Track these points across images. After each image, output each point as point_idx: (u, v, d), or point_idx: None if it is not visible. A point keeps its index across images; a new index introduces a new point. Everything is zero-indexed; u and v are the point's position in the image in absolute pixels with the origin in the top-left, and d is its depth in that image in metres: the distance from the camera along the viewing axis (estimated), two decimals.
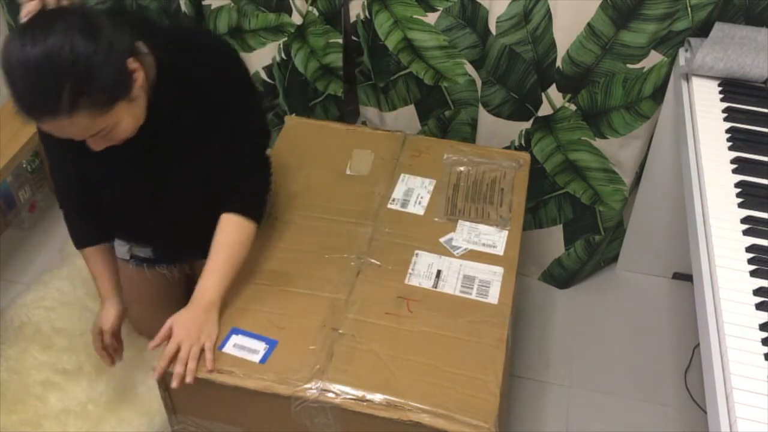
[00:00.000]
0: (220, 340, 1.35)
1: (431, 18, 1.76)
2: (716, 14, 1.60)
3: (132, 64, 1.20)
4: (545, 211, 2.00)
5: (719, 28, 1.57)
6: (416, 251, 1.51)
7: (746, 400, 1.02)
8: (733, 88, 1.55)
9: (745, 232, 1.24)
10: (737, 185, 1.33)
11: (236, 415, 1.36)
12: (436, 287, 1.44)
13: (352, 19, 1.87)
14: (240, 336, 1.35)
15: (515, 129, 1.86)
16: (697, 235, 1.27)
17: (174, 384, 1.29)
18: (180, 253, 1.72)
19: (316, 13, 1.86)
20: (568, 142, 1.83)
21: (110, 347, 1.60)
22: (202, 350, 1.32)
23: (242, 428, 1.39)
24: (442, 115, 1.95)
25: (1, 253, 2.18)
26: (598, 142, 1.81)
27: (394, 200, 1.62)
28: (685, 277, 2.08)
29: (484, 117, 1.86)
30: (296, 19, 1.88)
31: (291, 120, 1.88)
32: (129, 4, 1.95)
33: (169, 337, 1.33)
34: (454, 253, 1.51)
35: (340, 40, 1.91)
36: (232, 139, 1.41)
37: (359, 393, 1.26)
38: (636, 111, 1.74)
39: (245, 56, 1.97)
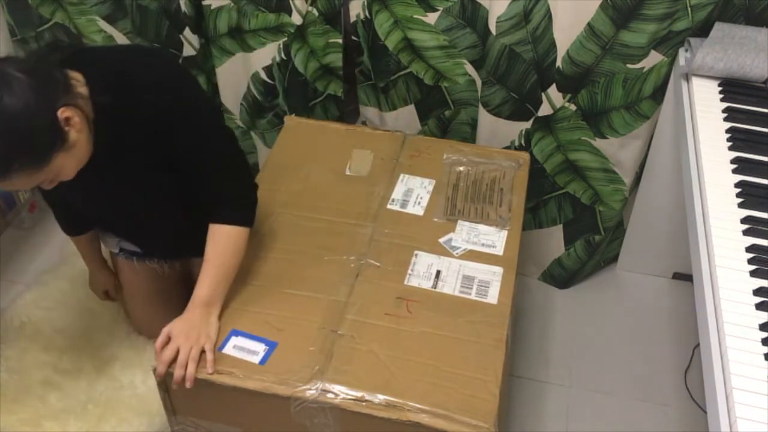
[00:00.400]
0: (220, 341, 1.35)
1: (431, 18, 1.76)
2: (716, 14, 1.60)
3: (65, 113, 1.15)
4: (545, 211, 2.00)
5: (719, 28, 1.56)
6: (416, 252, 1.51)
7: (746, 400, 1.02)
8: (733, 88, 1.55)
9: (745, 232, 1.24)
10: (737, 185, 1.33)
11: (236, 415, 1.36)
12: (435, 288, 1.44)
13: (352, 19, 1.87)
14: (240, 337, 1.35)
15: (515, 129, 1.86)
16: (697, 235, 1.27)
17: (174, 386, 1.30)
18: (166, 252, 1.73)
19: (316, 13, 1.86)
20: (568, 142, 1.83)
21: (113, 295, 1.84)
22: (203, 352, 1.31)
23: (242, 429, 1.39)
24: (442, 115, 1.95)
25: (1, 253, 2.18)
26: (598, 142, 1.81)
27: (393, 200, 1.62)
28: (685, 277, 2.08)
29: (484, 117, 1.86)
30: (296, 19, 1.88)
31: (291, 120, 1.88)
32: (129, 4, 1.95)
33: (167, 343, 1.32)
34: (454, 253, 1.51)
35: (340, 40, 1.90)
36: (194, 152, 1.36)
37: (359, 393, 1.26)
38: (636, 111, 1.74)
39: (245, 56, 1.97)
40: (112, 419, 1.70)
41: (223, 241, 1.40)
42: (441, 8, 1.74)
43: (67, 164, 1.21)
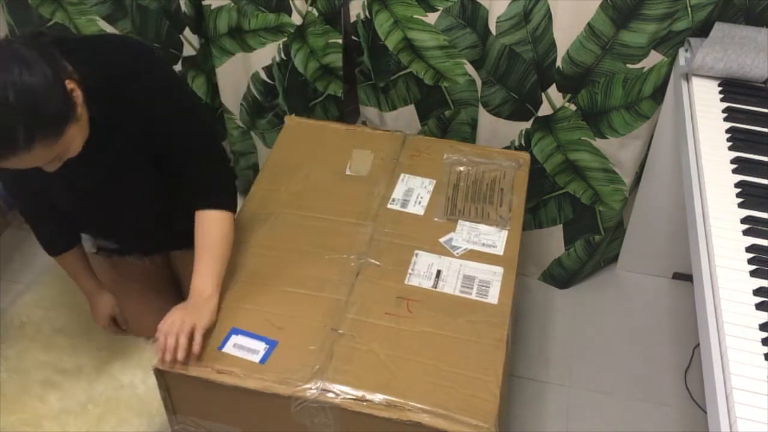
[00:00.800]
0: (220, 340, 1.35)
1: (431, 18, 1.76)
2: (716, 14, 1.60)
3: (69, 84, 1.20)
4: (545, 211, 2.00)
5: (719, 28, 1.57)
6: (416, 251, 1.51)
7: (746, 400, 1.02)
8: (733, 88, 1.55)
9: (745, 232, 1.24)
10: (737, 185, 1.33)
11: (236, 415, 1.36)
12: (435, 287, 1.44)
13: (352, 19, 1.87)
14: (240, 336, 1.35)
15: (515, 129, 1.86)
16: (697, 235, 1.27)
17: (166, 358, 1.29)
18: (144, 246, 1.73)
19: (316, 14, 1.86)
20: (568, 142, 1.83)
21: (123, 324, 1.73)
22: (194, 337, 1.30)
23: (242, 428, 1.39)
24: (442, 115, 1.95)
25: (1, 253, 2.18)
26: (598, 142, 1.81)
27: (394, 200, 1.62)
28: (685, 277, 2.08)
29: (484, 117, 1.86)
30: (296, 19, 1.88)
31: (291, 120, 1.88)
32: (129, 4, 1.95)
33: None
34: (454, 253, 1.51)
35: (340, 41, 1.91)
36: (176, 139, 1.39)
37: (359, 393, 1.26)
38: (636, 111, 1.74)
39: (245, 56, 1.97)
40: (112, 419, 1.70)
41: (213, 228, 1.41)
42: (441, 8, 1.74)
43: (76, 137, 1.24)
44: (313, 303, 1.41)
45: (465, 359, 1.31)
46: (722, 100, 1.52)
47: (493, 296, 1.43)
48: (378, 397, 1.25)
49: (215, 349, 1.33)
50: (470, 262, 1.49)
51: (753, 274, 1.18)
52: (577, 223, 1.99)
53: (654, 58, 1.64)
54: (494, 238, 1.54)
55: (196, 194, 1.42)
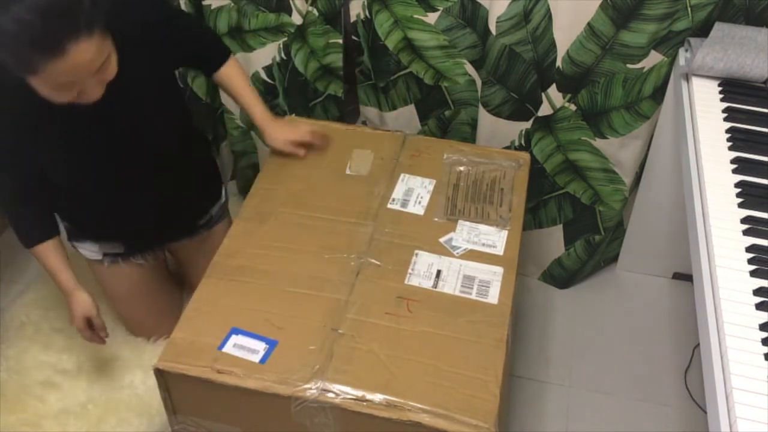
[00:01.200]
0: (220, 339, 1.35)
1: (431, 18, 1.76)
2: (716, 14, 1.60)
3: None
4: (545, 211, 2.00)
5: (719, 28, 1.57)
6: (416, 251, 1.51)
7: (746, 400, 1.02)
8: (733, 88, 1.55)
9: (745, 232, 1.24)
10: (737, 185, 1.33)
11: (236, 415, 1.37)
12: (436, 287, 1.44)
13: (352, 18, 1.87)
14: (240, 336, 1.35)
15: (515, 129, 1.86)
16: (697, 235, 1.27)
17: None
18: (150, 234, 1.73)
19: (316, 13, 1.86)
20: (568, 142, 1.83)
21: (99, 329, 1.62)
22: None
23: (242, 428, 1.39)
24: (442, 115, 1.95)
25: (1, 253, 2.18)
26: (598, 142, 1.81)
27: (394, 200, 1.62)
28: (685, 277, 2.08)
29: (484, 117, 1.86)
30: (296, 19, 1.88)
31: (291, 120, 1.88)
32: None
33: (303, 144, 1.68)
34: (454, 253, 1.51)
35: (340, 41, 1.91)
36: (182, 33, 1.58)
37: (359, 393, 1.26)
38: (636, 111, 1.74)
39: (245, 56, 1.97)
40: (112, 419, 1.70)
41: (239, 70, 1.71)
42: (441, 8, 1.74)
43: (112, 56, 1.27)
44: (313, 303, 1.41)
45: (465, 359, 1.31)
46: (722, 100, 1.53)
47: (493, 296, 1.43)
48: (378, 397, 1.25)
49: (215, 348, 1.33)
50: (470, 262, 1.49)
51: (753, 274, 1.18)
52: (577, 223, 1.99)
53: (654, 58, 1.64)
54: (494, 238, 1.54)
55: (212, 56, 1.69)
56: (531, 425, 1.78)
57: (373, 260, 1.49)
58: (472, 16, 1.74)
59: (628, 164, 1.84)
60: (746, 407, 1.01)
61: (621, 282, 2.12)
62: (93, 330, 1.61)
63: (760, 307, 1.13)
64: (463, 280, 1.45)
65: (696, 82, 1.57)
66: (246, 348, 1.33)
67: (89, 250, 1.73)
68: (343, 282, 1.45)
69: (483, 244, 1.53)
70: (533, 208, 2.00)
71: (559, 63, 1.69)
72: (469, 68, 1.83)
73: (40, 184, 1.51)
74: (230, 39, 1.96)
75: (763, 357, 1.07)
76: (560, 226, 2.01)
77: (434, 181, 1.66)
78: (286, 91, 2.03)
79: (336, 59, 1.94)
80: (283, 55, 1.96)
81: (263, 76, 2.01)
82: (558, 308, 2.06)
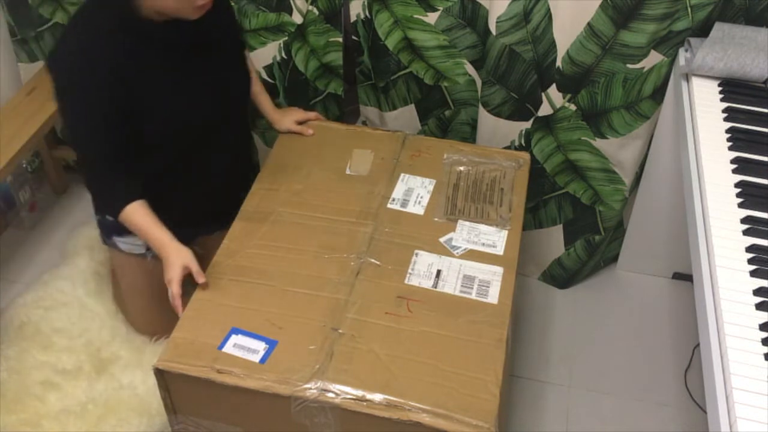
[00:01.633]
0: (220, 339, 1.35)
1: (431, 18, 1.76)
2: (716, 14, 1.60)
3: None
4: (545, 211, 2.00)
5: (719, 28, 1.57)
6: (416, 251, 1.51)
7: (746, 400, 1.02)
8: (733, 88, 1.55)
9: (745, 232, 1.24)
10: (737, 185, 1.33)
11: (236, 415, 1.37)
12: (436, 287, 1.44)
13: (353, 18, 1.88)
14: (240, 336, 1.35)
15: (515, 129, 1.86)
16: (697, 235, 1.27)
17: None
18: (199, 221, 1.71)
19: (317, 13, 1.86)
20: (568, 142, 1.83)
21: (198, 275, 1.46)
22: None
23: (242, 428, 1.39)
24: (442, 115, 1.95)
25: (1, 253, 2.18)
26: (598, 142, 1.81)
27: (394, 200, 1.62)
28: (685, 277, 2.08)
29: (484, 117, 1.86)
30: (296, 18, 1.88)
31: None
32: None
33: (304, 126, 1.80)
34: (454, 252, 1.51)
35: (340, 39, 1.91)
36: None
37: (359, 393, 1.26)
38: (636, 111, 1.74)
39: None
40: (112, 419, 1.70)
41: (253, 66, 1.84)
42: (441, 8, 1.74)
43: None
44: (313, 303, 1.41)
45: (465, 359, 1.31)
46: (722, 100, 1.53)
47: (493, 296, 1.43)
48: (378, 397, 1.25)
49: (215, 348, 1.33)
50: (470, 262, 1.49)
51: (753, 274, 1.18)
52: (577, 223, 1.99)
53: (654, 58, 1.64)
54: (494, 238, 1.54)
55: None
56: (531, 425, 1.78)
57: (373, 260, 1.49)
58: (472, 16, 1.74)
59: (628, 164, 1.84)
60: (746, 407, 1.01)
61: (621, 282, 2.12)
62: (181, 288, 1.46)
63: (760, 307, 1.13)
64: (463, 280, 1.45)
65: (696, 82, 1.57)
66: (246, 348, 1.33)
67: (133, 244, 1.72)
68: (343, 282, 1.45)
69: (483, 244, 1.53)
70: (533, 208, 2.00)
71: (559, 63, 1.69)
72: (469, 68, 1.83)
73: (126, 156, 1.52)
74: None
75: (763, 357, 1.07)
76: (560, 226, 2.01)
77: (434, 181, 1.67)
78: (287, 91, 2.03)
79: (336, 57, 1.94)
80: (283, 55, 1.96)
81: (264, 75, 2.01)
82: (558, 308, 2.06)
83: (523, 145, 1.88)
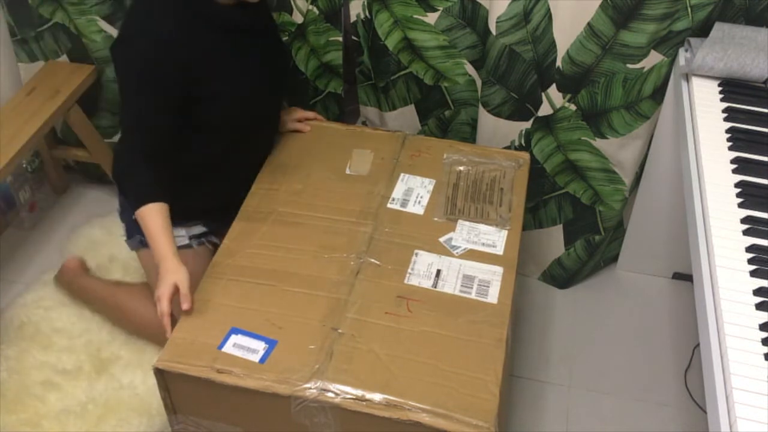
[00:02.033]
0: (220, 339, 1.35)
1: (431, 18, 1.76)
2: (716, 14, 1.60)
3: None
4: (545, 211, 2.00)
5: (719, 28, 1.57)
6: (416, 251, 1.51)
7: (746, 400, 1.02)
8: (733, 88, 1.55)
9: (745, 232, 1.24)
10: (737, 185, 1.33)
11: (236, 415, 1.37)
12: (435, 287, 1.44)
13: (353, 18, 1.87)
14: (239, 335, 1.35)
15: (515, 129, 1.86)
16: (697, 235, 1.27)
17: None
18: (232, 210, 1.65)
19: (317, 12, 1.86)
20: (568, 142, 1.83)
21: (185, 299, 1.41)
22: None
23: (242, 428, 1.39)
24: (442, 115, 1.95)
25: (1, 253, 2.18)
26: (598, 142, 1.81)
27: (393, 200, 1.62)
28: (685, 277, 2.08)
29: (484, 117, 1.86)
30: (297, 17, 1.88)
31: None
32: (130, 3, 1.95)
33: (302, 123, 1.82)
34: (454, 252, 1.51)
35: (340, 38, 1.91)
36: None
37: (359, 392, 1.26)
38: (636, 111, 1.74)
39: None
40: (112, 419, 1.70)
41: None
42: (441, 8, 1.74)
43: None
44: (313, 302, 1.41)
45: (465, 359, 1.31)
46: (722, 100, 1.52)
47: (492, 296, 1.43)
48: (378, 397, 1.25)
49: (215, 348, 1.33)
50: (470, 262, 1.49)
51: (753, 274, 1.18)
52: (577, 223, 1.99)
53: (654, 58, 1.64)
54: (494, 238, 1.54)
55: None
56: (531, 425, 1.78)
57: (372, 260, 1.49)
58: (472, 16, 1.74)
59: (628, 164, 1.83)
60: (746, 407, 1.01)
61: (621, 282, 2.12)
62: (170, 304, 1.43)
63: (760, 307, 1.13)
64: (463, 279, 1.45)
65: (696, 82, 1.57)
66: (246, 348, 1.33)
67: (177, 238, 1.60)
68: (343, 282, 1.45)
69: (483, 244, 1.53)
70: (533, 208, 2.00)
71: (559, 63, 1.69)
72: (469, 68, 1.83)
73: (166, 153, 1.52)
74: None
75: (763, 357, 1.07)
76: (560, 226, 2.01)
77: (434, 181, 1.67)
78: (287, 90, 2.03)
79: (336, 57, 1.94)
80: None
81: None
82: (558, 308, 2.06)
83: (523, 145, 1.88)
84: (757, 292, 1.15)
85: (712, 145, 1.42)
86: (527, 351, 1.94)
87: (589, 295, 2.09)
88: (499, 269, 1.48)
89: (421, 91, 1.92)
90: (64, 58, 2.14)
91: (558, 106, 1.77)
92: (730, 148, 1.41)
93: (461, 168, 1.70)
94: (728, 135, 1.44)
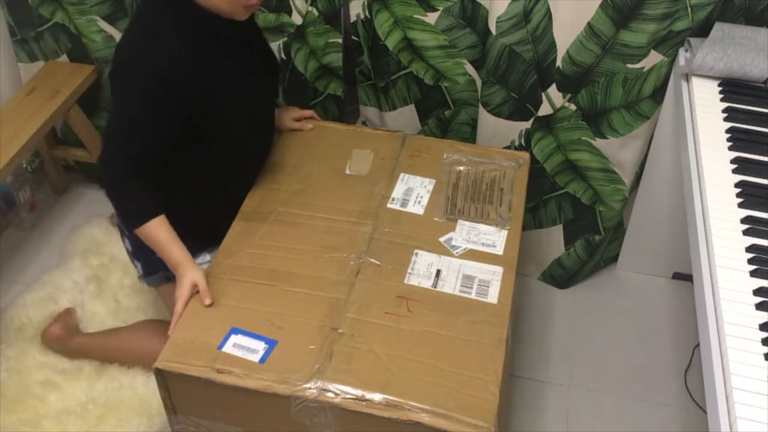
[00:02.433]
0: (220, 339, 1.35)
1: (431, 18, 1.76)
2: (716, 14, 1.60)
3: None
4: (545, 211, 2.00)
5: (719, 28, 1.57)
6: (416, 251, 1.51)
7: (746, 400, 1.02)
8: (733, 88, 1.55)
9: (745, 232, 1.24)
10: (737, 185, 1.33)
11: (236, 415, 1.36)
12: (435, 287, 1.44)
13: (352, 18, 1.87)
14: (239, 335, 1.35)
15: (515, 129, 1.86)
16: (697, 235, 1.27)
17: None
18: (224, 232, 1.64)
19: (316, 13, 1.86)
20: (568, 142, 1.83)
21: (205, 294, 1.44)
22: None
23: (242, 428, 1.39)
24: (442, 115, 1.95)
25: (1, 253, 2.18)
26: (598, 142, 1.81)
27: (393, 200, 1.62)
28: (685, 277, 2.08)
29: (484, 117, 1.86)
30: (296, 19, 1.88)
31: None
32: (129, 4, 1.95)
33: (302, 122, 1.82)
34: (454, 252, 1.51)
35: (340, 40, 1.91)
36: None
37: (359, 392, 1.26)
38: (636, 111, 1.74)
39: None
40: (112, 419, 1.70)
41: None
42: (441, 8, 1.74)
43: None
44: (313, 302, 1.41)
45: (465, 359, 1.31)
46: (722, 100, 1.52)
47: (492, 296, 1.43)
48: (378, 397, 1.25)
49: (215, 348, 1.33)
50: (470, 262, 1.49)
51: (753, 274, 1.18)
52: (577, 223, 1.99)
53: (654, 58, 1.64)
54: (494, 238, 1.54)
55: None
56: (531, 425, 1.78)
57: (372, 260, 1.49)
58: (472, 16, 1.74)
59: (628, 164, 1.84)
60: (746, 407, 1.01)
61: (621, 282, 2.12)
62: (186, 306, 1.44)
63: (760, 307, 1.13)
64: (463, 279, 1.45)
65: (696, 82, 1.57)
66: (246, 348, 1.33)
67: (204, 265, 1.57)
68: (343, 282, 1.45)
69: (483, 244, 1.53)
70: (533, 208, 2.00)
71: (559, 63, 1.69)
72: (469, 68, 1.83)
73: (155, 169, 1.49)
74: None
75: (763, 357, 1.07)
76: (560, 226, 2.01)
77: (434, 181, 1.66)
78: (286, 91, 2.03)
79: (336, 59, 1.94)
80: (282, 55, 1.96)
81: None
82: (558, 308, 2.06)
83: (523, 145, 1.88)
84: (757, 292, 1.15)
85: (712, 145, 1.42)
86: (527, 351, 1.94)
87: (589, 295, 2.09)
88: (499, 269, 1.48)
89: (421, 91, 1.92)
90: (64, 58, 2.14)
91: (558, 106, 1.77)
92: (730, 148, 1.41)
93: (461, 168, 1.70)
94: (728, 135, 1.44)
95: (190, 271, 1.45)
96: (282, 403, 1.28)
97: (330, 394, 1.26)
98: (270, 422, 1.34)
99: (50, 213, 2.32)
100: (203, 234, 1.62)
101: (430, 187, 1.65)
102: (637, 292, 2.09)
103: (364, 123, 2.10)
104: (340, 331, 1.36)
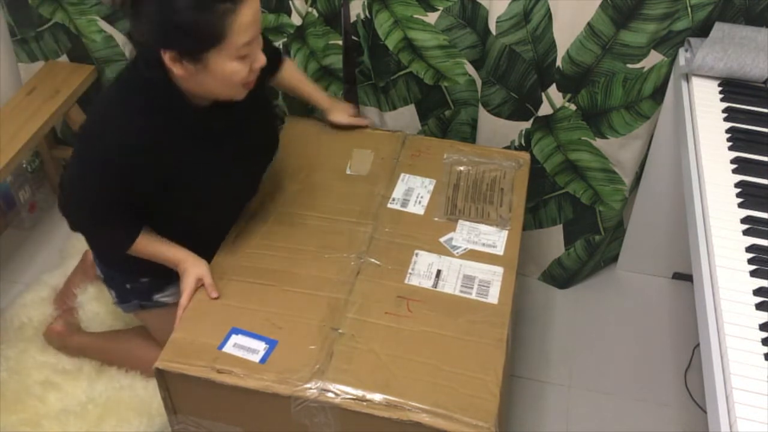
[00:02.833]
0: (220, 339, 1.35)
1: (431, 18, 1.76)
2: (716, 14, 1.60)
3: None
4: (545, 211, 2.00)
5: (719, 28, 1.57)
6: (416, 251, 1.51)
7: (746, 400, 1.02)
8: (733, 88, 1.55)
9: (745, 232, 1.24)
10: (737, 185, 1.33)
11: (236, 415, 1.37)
12: (436, 287, 1.44)
13: (352, 18, 1.87)
14: (240, 336, 1.35)
15: (515, 129, 1.86)
16: (697, 235, 1.27)
17: None
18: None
19: (316, 14, 1.86)
20: (568, 142, 1.83)
21: (211, 288, 1.45)
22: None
23: (242, 428, 1.39)
24: (442, 115, 1.95)
25: (1, 253, 2.18)
26: (598, 142, 1.81)
27: (394, 200, 1.62)
28: (685, 277, 2.08)
29: (484, 117, 1.86)
30: (296, 20, 1.88)
31: (291, 120, 1.89)
32: None
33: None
34: (454, 252, 1.51)
35: (340, 42, 1.90)
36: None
37: (359, 393, 1.26)
38: (636, 111, 1.74)
39: None
40: (112, 419, 1.70)
41: (295, 67, 1.84)
42: (441, 8, 1.74)
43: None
44: (313, 302, 1.41)
45: (465, 359, 1.31)
46: (722, 100, 1.53)
47: (493, 296, 1.43)
48: (378, 397, 1.25)
49: (215, 348, 1.33)
50: (470, 262, 1.49)
51: (753, 274, 1.18)
52: (577, 223, 1.99)
53: (654, 58, 1.64)
54: (494, 238, 1.54)
55: (274, 62, 1.70)
56: (531, 425, 1.78)
57: (373, 260, 1.49)
58: (472, 16, 1.74)
59: (628, 164, 1.84)
60: (746, 407, 1.01)
61: (621, 282, 2.12)
62: (191, 299, 1.44)
63: (760, 307, 1.13)
64: (463, 279, 1.45)
65: (696, 82, 1.57)
66: (246, 348, 1.33)
67: (176, 295, 1.55)
68: (343, 282, 1.45)
69: (483, 244, 1.53)
70: (533, 208, 2.00)
71: (559, 63, 1.69)
72: (469, 68, 1.83)
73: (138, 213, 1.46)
74: None
75: (763, 357, 1.07)
76: (560, 226, 2.01)
77: (434, 181, 1.67)
78: (286, 93, 2.03)
79: (336, 60, 1.94)
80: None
81: None
82: (558, 308, 2.06)
83: (523, 145, 1.88)
84: (757, 292, 1.15)
85: (712, 145, 1.42)
86: (527, 351, 1.94)
87: (589, 295, 2.09)
88: (500, 269, 1.48)
89: (421, 91, 1.92)
90: (64, 58, 2.14)
91: (558, 106, 1.77)
92: (730, 148, 1.41)
93: (461, 168, 1.70)
94: (728, 135, 1.44)
95: (193, 265, 1.45)
96: (282, 403, 1.28)
97: (330, 394, 1.26)
98: (270, 422, 1.34)
99: (50, 213, 2.32)
100: (167, 269, 1.53)
101: (431, 187, 1.65)
102: (637, 292, 2.09)
103: None
104: (340, 331, 1.36)
